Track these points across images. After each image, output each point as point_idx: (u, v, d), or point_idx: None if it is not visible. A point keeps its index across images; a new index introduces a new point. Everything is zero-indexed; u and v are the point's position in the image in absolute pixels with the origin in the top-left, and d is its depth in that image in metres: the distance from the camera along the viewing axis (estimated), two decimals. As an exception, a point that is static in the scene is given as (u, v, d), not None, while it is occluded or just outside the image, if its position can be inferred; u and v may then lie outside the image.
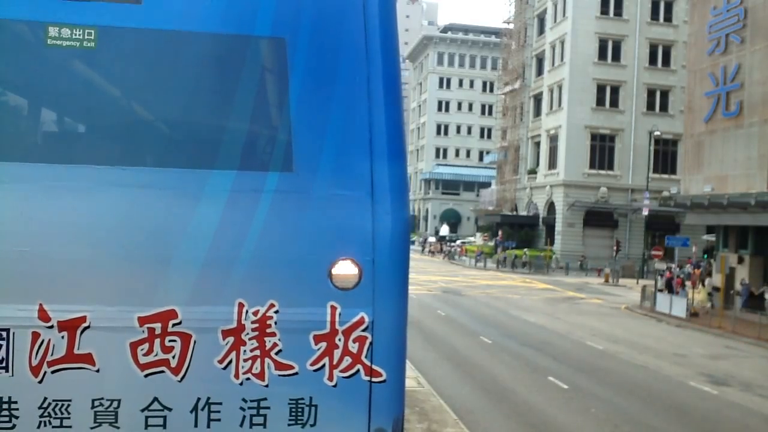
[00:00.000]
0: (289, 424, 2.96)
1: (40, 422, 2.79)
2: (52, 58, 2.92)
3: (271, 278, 2.94)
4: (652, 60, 55.75)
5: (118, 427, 2.86)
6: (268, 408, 2.94)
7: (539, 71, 61.73)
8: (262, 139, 3.18)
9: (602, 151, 55.22)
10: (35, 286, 2.76)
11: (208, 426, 2.90)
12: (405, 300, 3.14)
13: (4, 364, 2.76)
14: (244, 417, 2.93)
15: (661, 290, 27.45)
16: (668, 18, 55.92)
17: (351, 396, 2.98)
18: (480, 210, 73.13)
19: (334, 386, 2.98)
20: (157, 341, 2.85)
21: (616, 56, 55.20)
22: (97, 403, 2.85)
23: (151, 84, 3.08)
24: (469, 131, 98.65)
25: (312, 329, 2.96)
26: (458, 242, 72.56)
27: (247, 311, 2.91)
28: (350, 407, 2.99)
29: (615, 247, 45.66)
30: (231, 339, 2.90)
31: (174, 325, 2.86)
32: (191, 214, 2.89)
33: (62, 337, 2.80)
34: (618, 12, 54.96)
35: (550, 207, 57.17)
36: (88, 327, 2.81)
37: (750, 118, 25.26)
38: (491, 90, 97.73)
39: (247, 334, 2.91)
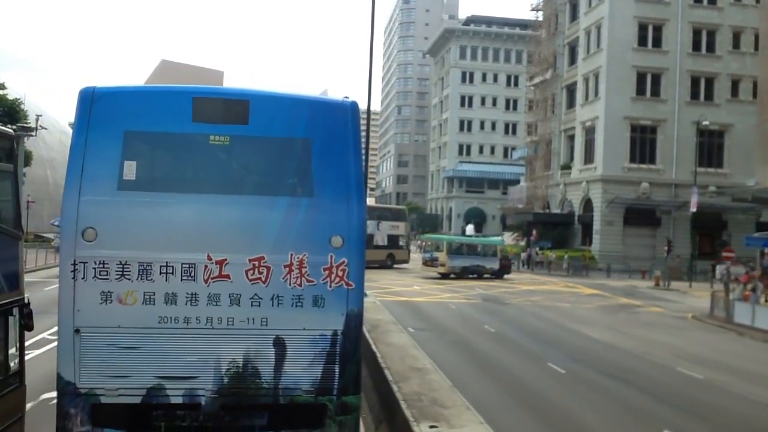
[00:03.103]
0: (312, 307, 5.84)
1: (208, 303, 5.72)
2: (211, 148, 5.95)
3: (304, 243, 5.86)
4: (696, 45, 51.88)
5: (240, 305, 5.76)
6: (303, 299, 5.85)
7: (572, 60, 58.03)
8: (301, 183, 6.12)
9: (643, 143, 51.39)
10: (206, 245, 5.75)
11: (278, 306, 5.81)
12: (363, 252, 6.10)
13: (193, 278, 5.72)
14: (293, 303, 5.84)
15: (740, 299, 23.75)
16: (712, 0, 51.92)
17: (339, 295, 5.89)
18: (508, 208, 69.41)
19: (332, 290, 5.88)
20: (256, 269, 5.80)
21: (657, 42, 51.38)
22: (231, 295, 5.76)
23: (253, 158, 6.22)
24: (493, 127, 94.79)
25: (322, 265, 5.87)
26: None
27: (294, 257, 5.84)
28: (338, 300, 5.88)
29: (666, 248, 41.72)
30: (287, 269, 5.84)
31: (263, 262, 5.81)
32: (270, 216, 5.88)
33: (217, 267, 5.74)
34: (658, -6, 51.06)
35: (587, 204, 53.44)
36: (228, 263, 5.76)
37: None
38: (516, 84, 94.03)
39: (294, 266, 5.84)
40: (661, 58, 51.15)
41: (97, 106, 5.67)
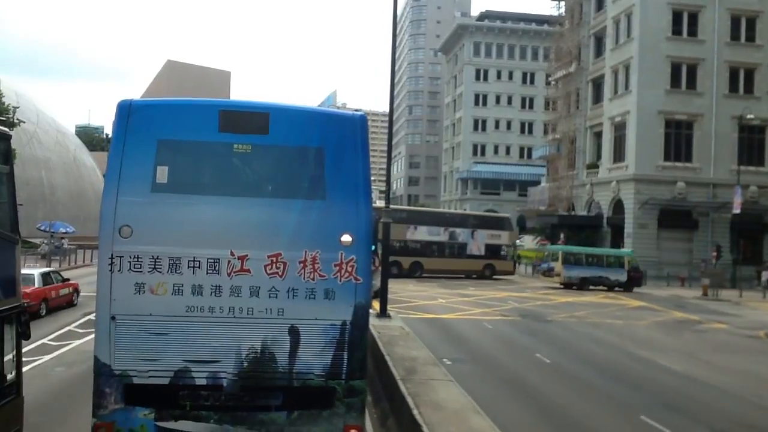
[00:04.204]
0: (323, 299, 6.28)
1: (231, 294, 6.18)
2: (235, 155, 6.46)
3: (317, 241, 6.32)
4: (734, 34, 47.99)
5: (259, 297, 6.22)
6: (316, 292, 6.29)
7: (598, 52, 54.19)
8: (314, 187, 6.56)
9: (678, 139, 47.50)
10: (229, 242, 6.23)
11: (293, 298, 6.26)
12: (370, 250, 6.60)
13: (217, 271, 6.17)
14: (307, 295, 6.28)
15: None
16: (752, -16, 48.10)
17: (348, 288, 6.32)
18: (529, 210, 65.64)
19: (341, 284, 6.32)
20: (274, 264, 6.24)
21: (693, 30, 47.54)
22: (251, 288, 6.23)
23: (271, 164, 6.68)
24: (509, 126, 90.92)
25: (333, 261, 6.31)
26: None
27: (308, 254, 6.29)
28: (348, 293, 6.33)
29: (715, 253, 37.84)
30: (302, 264, 6.28)
31: (280, 258, 6.25)
32: (286, 217, 6.36)
33: (239, 261, 6.20)
34: (694, -22, 47.20)
35: (617, 205, 49.60)
36: (248, 258, 6.21)
37: None
38: (532, 82, 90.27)
39: (308, 262, 6.28)
40: (697, 47, 47.32)
41: (133, 117, 6.34)
